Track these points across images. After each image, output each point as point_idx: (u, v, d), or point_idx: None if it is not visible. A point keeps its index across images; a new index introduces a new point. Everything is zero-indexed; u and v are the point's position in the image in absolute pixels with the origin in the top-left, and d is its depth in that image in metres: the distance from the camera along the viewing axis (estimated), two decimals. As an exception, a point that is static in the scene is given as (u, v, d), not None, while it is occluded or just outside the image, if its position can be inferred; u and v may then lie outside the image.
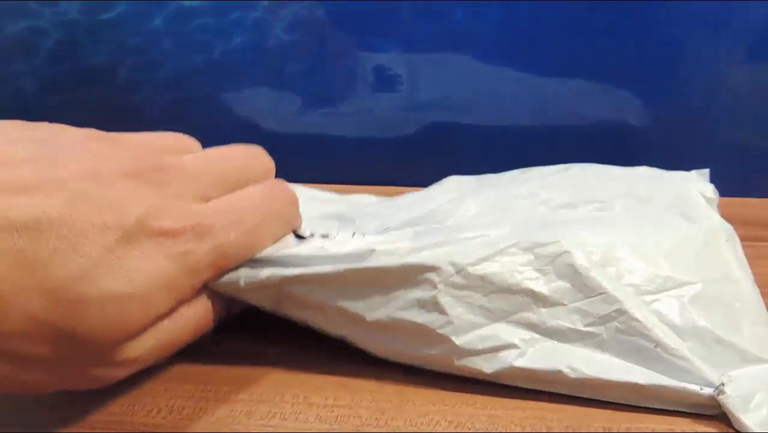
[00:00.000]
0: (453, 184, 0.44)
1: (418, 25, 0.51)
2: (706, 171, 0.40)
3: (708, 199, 0.38)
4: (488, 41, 0.51)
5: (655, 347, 0.31)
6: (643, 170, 0.41)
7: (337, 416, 0.32)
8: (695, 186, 0.38)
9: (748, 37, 0.49)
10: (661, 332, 0.31)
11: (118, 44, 0.53)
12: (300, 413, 0.32)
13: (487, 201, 0.39)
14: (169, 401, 0.33)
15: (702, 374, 0.30)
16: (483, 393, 0.33)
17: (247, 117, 0.55)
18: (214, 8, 0.52)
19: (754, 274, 0.35)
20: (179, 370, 0.35)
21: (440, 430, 0.31)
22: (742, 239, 0.38)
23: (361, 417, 0.32)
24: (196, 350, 0.36)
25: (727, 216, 0.40)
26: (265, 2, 0.52)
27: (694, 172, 0.42)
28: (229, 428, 0.31)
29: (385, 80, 0.53)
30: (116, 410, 0.32)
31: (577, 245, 0.33)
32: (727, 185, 0.51)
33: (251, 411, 0.32)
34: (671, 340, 0.31)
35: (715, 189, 0.39)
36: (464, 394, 0.33)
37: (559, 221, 0.36)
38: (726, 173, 0.53)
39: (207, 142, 0.51)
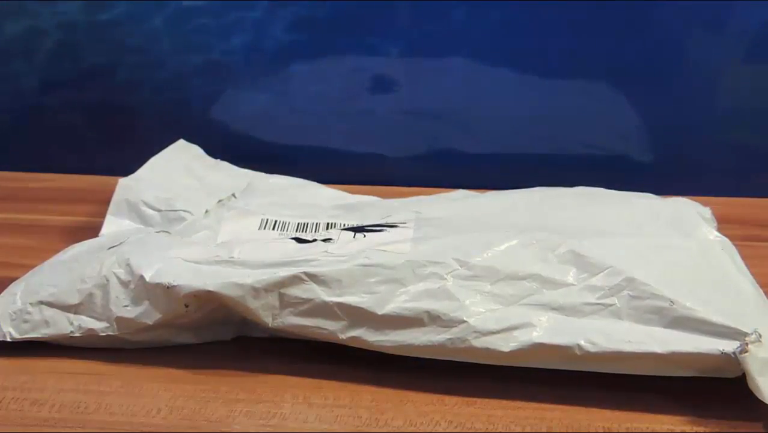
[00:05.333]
0: (460, 194, 0.44)
1: (418, 25, 0.51)
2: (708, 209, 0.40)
3: (705, 220, 0.38)
4: (488, 42, 0.51)
5: (671, 304, 0.32)
6: (643, 195, 0.41)
7: (337, 416, 0.32)
8: (693, 209, 0.39)
9: (748, 37, 0.49)
10: (672, 292, 0.32)
11: (118, 44, 0.53)
12: (300, 413, 0.32)
13: (489, 207, 0.40)
14: (169, 401, 0.33)
15: (725, 323, 0.31)
16: (483, 393, 0.33)
17: (246, 117, 0.55)
18: (213, 8, 0.52)
19: (754, 274, 0.35)
20: (179, 370, 0.35)
21: (440, 430, 0.31)
22: (741, 238, 0.38)
23: (361, 417, 0.32)
24: (196, 350, 0.36)
25: (726, 216, 0.40)
26: (265, 2, 0.52)
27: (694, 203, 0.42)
28: (229, 428, 0.31)
29: (384, 81, 0.53)
30: (116, 410, 0.32)
31: (576, 239, 0.35)
32: (726, 185, 0.52)
33: (251, 411, 0.32)
34: (684, 296, 0.32)
35: (712, 213, 0.39)
36: (464, 394, 0.33)
37: (558, 230, 0.36)
38: (726, 173, 0.53)
39: (207, 142, 0.51)
